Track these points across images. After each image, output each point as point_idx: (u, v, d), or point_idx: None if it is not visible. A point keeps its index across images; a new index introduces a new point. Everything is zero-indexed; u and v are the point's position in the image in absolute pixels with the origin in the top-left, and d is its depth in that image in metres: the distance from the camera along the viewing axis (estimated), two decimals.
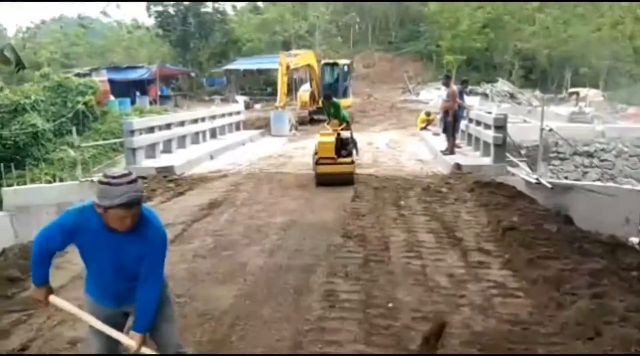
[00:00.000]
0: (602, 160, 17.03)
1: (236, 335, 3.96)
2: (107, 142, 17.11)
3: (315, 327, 4.04)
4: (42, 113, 19.67)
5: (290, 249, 5.87)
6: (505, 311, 4.31)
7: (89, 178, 10.18)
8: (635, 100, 27.34)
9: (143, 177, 10.27)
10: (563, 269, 5.02)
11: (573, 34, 32.38)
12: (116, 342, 2.75)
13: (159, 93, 29.51)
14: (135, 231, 2.54)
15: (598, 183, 11.35)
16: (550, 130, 10.41)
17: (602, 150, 17.20)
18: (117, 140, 14.94)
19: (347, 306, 4.40)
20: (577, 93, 27.48)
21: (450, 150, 11.85)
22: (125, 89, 27.37)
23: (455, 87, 12.29)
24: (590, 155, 16.94)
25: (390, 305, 4.43)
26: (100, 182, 2.45)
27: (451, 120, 11.80)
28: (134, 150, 10.85)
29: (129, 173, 2.48)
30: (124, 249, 2.57)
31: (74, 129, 11.44)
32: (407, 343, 3.79)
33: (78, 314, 2.76)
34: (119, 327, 2.79)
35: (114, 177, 2.43)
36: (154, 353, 2.72)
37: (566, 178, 15.58)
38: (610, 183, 11.68)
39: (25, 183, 13.21)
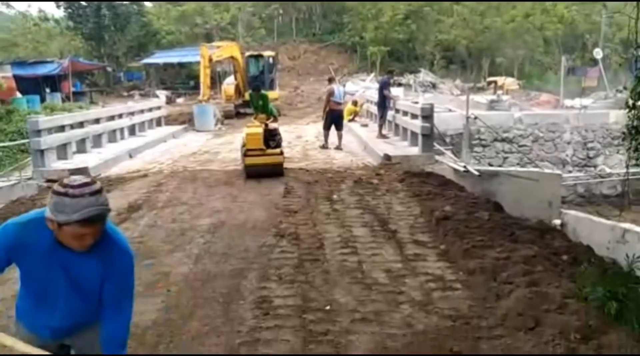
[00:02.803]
0: (520, 146, 17.75)
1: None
2: (12, 143, 15.64)
3: (249, 339, 3.71)
4: None
5: (219, 253, 5.47)
6: (446, 306, 4.18)
7: None
8: (546, 88, 28.97)
9: (54, 180, 9.39)
10: (498, 258, 5.00)
11: (489, 25, 33.76)
12: None
13: (72, 89, 27.57)
14: (96, 251, 2.04)
15: (522, 168, 11.75)
16: (475, 118, 10.61)
17: (520, 136, 17.94)
18: (25, 141, 13.66)
19: (282, 313, 4.09)
20: (495, 82, 28.68)
21: (324, 145, 12.51)
22: (33, 86, 25.27)
23: (333, 86, 12.64)
24: (509, 141, 17.60)
25: (327, 307, 4.18)
26: (55, 192, 1.91)
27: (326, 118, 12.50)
28: (41, 151, 9.88)
29: (92, 182, 1.95)
30: (81, 271, 2.08)
31: None
32: (347, 350, 3.54)
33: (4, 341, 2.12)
34: None
35: (72, 186, 1.90)
36: None
37: (490, 164, 16.12)
38: (533, 168, 12.13)
39: None
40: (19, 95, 22.56)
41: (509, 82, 29.24)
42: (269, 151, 9.12)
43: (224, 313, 4.11)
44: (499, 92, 26.19)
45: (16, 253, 2.08)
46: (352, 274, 4.84)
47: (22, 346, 2.12)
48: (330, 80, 13.39)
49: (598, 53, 26.25)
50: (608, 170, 17.40)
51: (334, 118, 12.41)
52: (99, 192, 1.95)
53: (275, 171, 9.08)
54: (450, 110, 14.41)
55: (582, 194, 16.93)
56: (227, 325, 3.91)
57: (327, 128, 12.58)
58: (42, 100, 23.93)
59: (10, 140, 16.75)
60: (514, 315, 3.90)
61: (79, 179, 1.96)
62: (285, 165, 9.67)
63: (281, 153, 9.36)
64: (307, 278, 4.74)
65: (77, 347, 2.36)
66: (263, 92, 11.36)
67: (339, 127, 12.51)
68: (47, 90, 26.22)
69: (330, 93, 12.37)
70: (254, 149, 9.01)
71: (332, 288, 4.54)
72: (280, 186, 8.51)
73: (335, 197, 7.82)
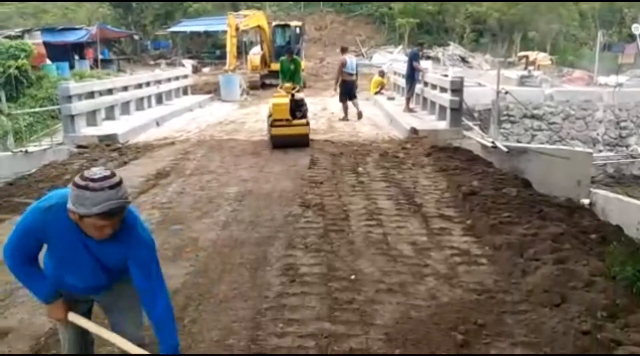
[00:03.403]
0: (550, 123, 17.35)
1: (189, 317, 3.64)
2: (43, 109, 15.96)
3: (275, 305, 3.78)
4: None
5: (246, 221, 5.55)
6: (471, 279, 4.18)
7: (23, 149, 9.43)
8: (580, 64, 28.08)
9: (84, 146, 9.62)
10: (525, 234, 4.96)
11: None
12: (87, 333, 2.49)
13: (100, 56, 27.81)
14: (116, 237, 2.13)
15: (552, 146, 11.53)
16: (506, 93, 10.38)
17: (551, 113, 17.51)
18: (55, 107, 13.92)
19: (307, 281, 4.15)
20: (527, 56, 27.85)
21: (345, 117, 12.61)
22: (62, 52, 25.53)
23: (345, 57, 12.56)
24: (539, 118, 17.21)
25: (353, 277, 4.23)
26: (76, 185, 1.99)
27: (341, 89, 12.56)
28: (72, 117, 10.08)
29: (112, 175, 2.02)
30: (103, 254, 2.20)
31: (2, 95, 10.46)
32: (372, 318, 3.59)
33: (100, 333, 2.40)
34: (86, 311, 2.53)
35: (93, 180, 1.98)
36: None
37: (518, 141, 15.83)
38: (563, 146, 11.89)
39: None
40: (48, 61, 22.86)
41: (541, 57, 28.36)
42: (295, 122, 9.16)
43: (251, 278, 4.20)
44: (530, 67, 25.47)
45: (41, 235, 2.19)
46: (377, 246, 4.87)
47: (106, 333, 2.38)
48: (343, 51, 13.34)
49: (637, 28, 25.22)
50: None
51: (347, 89, 12.49)
52: (118, 184, 2.01)
53: (301, 142, 9.13)
54: (480, 85, 14.10)
55: (611, 174, 16.56)
56: (255, 290, 4.00)
57: (343, 100, 12.68)
58: (71, 67, 24.21)
59: (41, 106, 17.10)
60: (540, 291, 3.88)
61: (99, 172, 2.02)
62: (311, 136, 9.69)
63: (307, 123, 9.39)
64: (332, 248, 4.79)
65: (103, 300, 2.51)
66: (297, 57, 11.37)
67: (353, 97, 12.60)
68: (76, 57, 26.48)
69: (342, 64, 12.39)
70: (280, 119, 9.06)
71: (357, 258, 4.58)
72: (305, 157, 8.54)
73: (360, 169, 7.82)
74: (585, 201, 7.84)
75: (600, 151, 17.13)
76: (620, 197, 8.46)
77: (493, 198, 6.03)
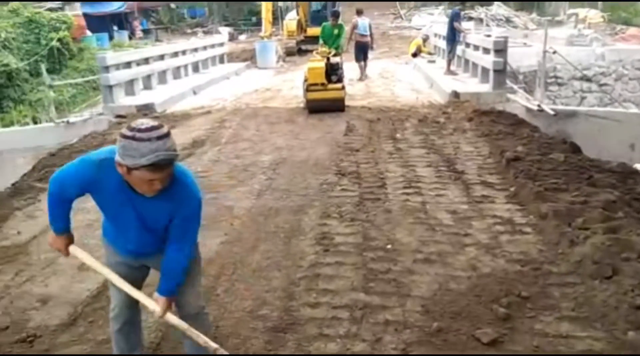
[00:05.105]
0: (601, 85, 16.42)
1: (222, 286, 3.61)
2: (82, 79, 16.24)
3: (309, 274, 3.70)
4: (14, 51, 18.48)
5: (280, 189, 5.47)
6: (514, 249, 3.98)
7: (65, 120, 9.61)
8: (635, 21, 26.36)
9: (122, 116, 9.73)
10: (573, 202, 4.67)
11: None
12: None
13: (140, 27, 28.02)
14: (165, 194, 2.07)
15: (602, 108, 10.90)
16: (554, 52, 9.79)
17: (602, 74, 16.55)
18: (94, 77, 14.12)
19: (342, 250, 4.05)
20: (576, 14, 26.27)
21: (361, 77, 13.28)
22: (101, 24, 25.84)
23: (357, 19, 13.10)
24: (588, 79, 16.30)
25: (389, 247, 4.09)
26: (123, 136, 1.92)
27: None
28: (110, 87, 10.17)
29: (160, 126, 1.94)
30: (150, 211, 2.16)
31: (43, 67, 10.65)
32: (409, 290, 3.47)
33: (98, 269, 2.42)
34: (139, 280, 2.50)
35: (140, 130, 1.90)
36: (179, 321, 2.35)
37: (562, 104, 15.10)
38: (614, 108, 11.23)
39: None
40: (88, 33, 23.18)
41: (592, 14, 26.69)
42: (331, 86, 9.08)
43: (285, 247, 4.13)
44: (580, 26, 24.02)
45: (90, 188, 2.17)
46: (415, 214, 4.70)
47: (103, 270, 2.41)
48: (358, 13, 13.59)
49: None
50: None
51: (360, 49, 13.06)
52: (166, 135, 1.93)
53: (336, 106, 9.04)
54: (525, 45, 13.41)
55: None
56: (288, 259, 3.93)
57: (357, 60, 13.28)
58: (111, 38, 24.50)
59: (82, 77, 17.40)
60: (589, 262, 3.65)
61: (146, 123, 1.94)
62: (348, 102, 9.50)
63: (343, 88, 9.26)
64: (368, 217, 4.65)
65: (156, 267, 2.46)
66: (340, 22, 11.20)
67: (365, 58, 13.20)
68: (115, 28, 26.76)
69: (354, 26, 12.99)
70: (316, 84, 8.97)
71: (394, 227, 4.43)
72: (342, 124, 8.36)
73: (398, 135, 7.59)
74: (639, 166, 7.38)
75: None
76: None
77: (539, 164, 5.72)
